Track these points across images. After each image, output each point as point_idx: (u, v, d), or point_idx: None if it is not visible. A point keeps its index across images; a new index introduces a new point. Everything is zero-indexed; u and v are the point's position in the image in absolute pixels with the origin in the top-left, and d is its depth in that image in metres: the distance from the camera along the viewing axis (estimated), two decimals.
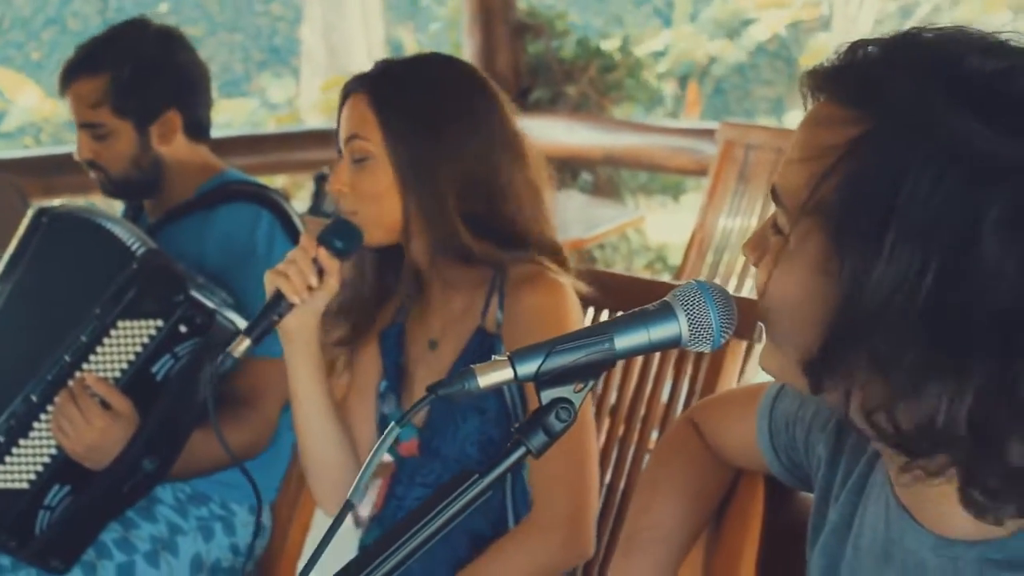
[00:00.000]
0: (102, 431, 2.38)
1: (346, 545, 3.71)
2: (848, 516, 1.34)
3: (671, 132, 5.88)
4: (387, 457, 2.28)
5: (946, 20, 1.20)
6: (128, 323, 2.43)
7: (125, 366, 2.43)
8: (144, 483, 2.49)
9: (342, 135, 2.10)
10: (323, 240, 2.05)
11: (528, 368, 1.19)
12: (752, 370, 2.24)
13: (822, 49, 16.44)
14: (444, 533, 1.19)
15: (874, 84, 1.12)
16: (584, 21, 7.26)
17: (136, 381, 2.42)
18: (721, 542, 1.63)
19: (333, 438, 2.17)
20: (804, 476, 1.49)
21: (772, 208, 4.23)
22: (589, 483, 2.04)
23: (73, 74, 2.76)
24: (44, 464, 2.46)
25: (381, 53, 13.78)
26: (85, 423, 2.37)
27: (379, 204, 2.07)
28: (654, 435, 2.27)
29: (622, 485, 2.26)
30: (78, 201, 3.31)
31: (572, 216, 5.00)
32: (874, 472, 1.32)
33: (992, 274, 1.06)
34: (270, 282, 2.04)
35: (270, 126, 8.83)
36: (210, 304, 2.43)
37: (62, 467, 2.45)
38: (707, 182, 4.80)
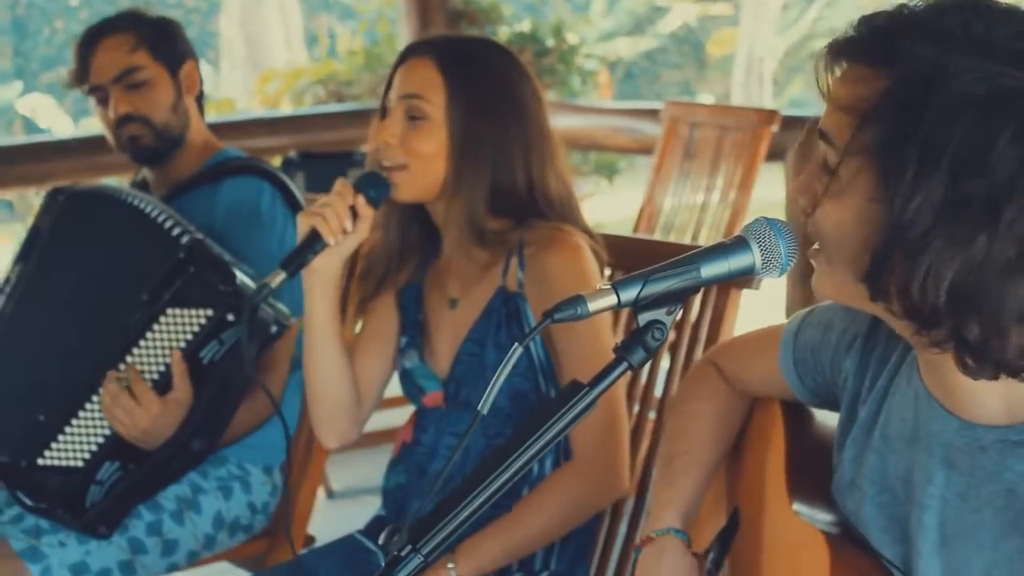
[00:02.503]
0: (157, 417, 2.50)
1: (323, 513, 3.87)
2: (875, 412, 1.56)
3: (609, 112, 6.06)
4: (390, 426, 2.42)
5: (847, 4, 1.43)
6: (177, 311, 2.54)
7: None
8: (191, 460, 2.64)
9: (399, 90, 2.23)
10: (359, 188, 2.20)
11: (629, 294, 1.37)
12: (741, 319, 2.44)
13: (728, 36, 16.75)
14: (555, 443, 1.36)
15: (893, 45, 1.35)
16: (515, 9, 7.42)
17: (187, 366, 2.53)
18: (746, 462, 1.84)
19: (339, 374, 2.32)
20: (828, 396, 1.70)
21: (719, 181, 4.50)
22: (621, 428, 2.22)
23: (98, 36, 2.86)
24: (98, 444, 2.57)
25: (300, 44, 13.84)
26: (141, 410, 2.49)
27: (426, 163, 2.22)
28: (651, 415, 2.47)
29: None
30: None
31: None
32: (900, 373, 1.54)
33: (1008, 177, 1.27)
34: (305, 222, 2.17)
35: (210, 115, 8.88)
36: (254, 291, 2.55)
37: (114, 447, 2.56)
38: (647, 161, 4.96)
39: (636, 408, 2.46)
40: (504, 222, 2.27)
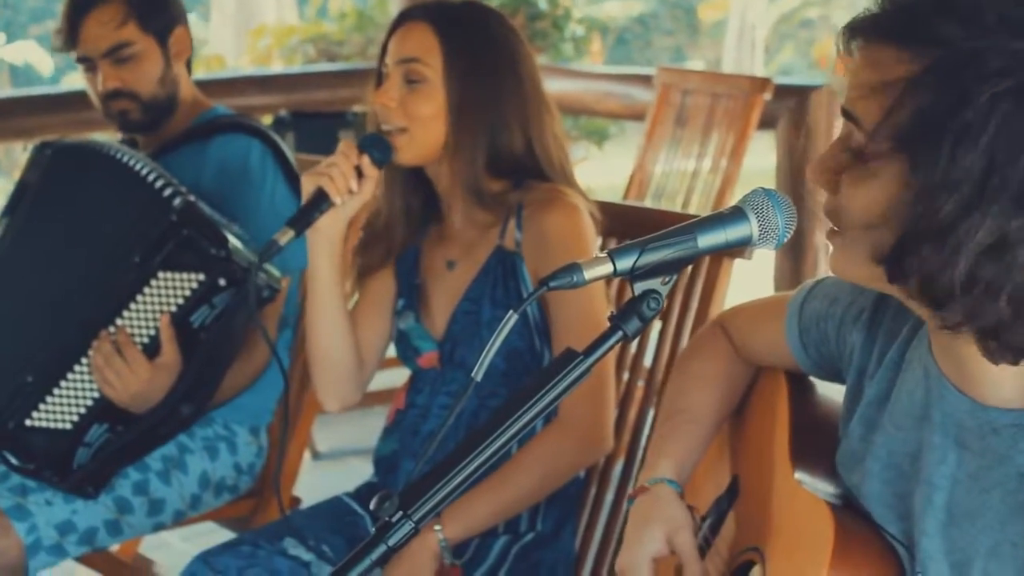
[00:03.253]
0: (147, 381, 2.50)
1: (308, 474, 3.87)
2: (886, 389, 1.55)
3: (600, 77, 6.03)
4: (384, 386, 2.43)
5: None
6: (169, 275, 2.53)
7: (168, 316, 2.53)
8: (180, 425, 2.62)
9: (396, 55, 2.25)
10: (364, 148, 2.22)
11: (625, 263, 1.36)
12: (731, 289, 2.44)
13: (720, 2, 16.70)
14: (549, 410, 1.36)
15: (926, 25, 1.32)
16: None
17: (177, 331, 2.52)
18: (748, 432, 1.84)
19: (342, 336, 2.33)
20: (832, 368, 1.70)
21: (710, 149, 4.49)
22: (606, 387, 2.24)
23: (88, 5, 2.80)
24: (87, 407, 2.56)
25: (291, 3, 13.77)
26: (132, 374, 2.49)
27: (425, 126, 2.24)
28: (648, 357, 2.47)
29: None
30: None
31: None
32: (910, 350, 1.53)
33: None
34: (311, 181, 2.19)
35: (199, 72, 8.85)
36: (247, 255, 2.53)
37: (103, 409, 2.56)
38: (637, 127, 4.95)
39: (626, 376, 2.47)
40: (503, 183, 2.29)
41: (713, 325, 1.91)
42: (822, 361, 1.71)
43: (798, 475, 1.64)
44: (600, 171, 7.48)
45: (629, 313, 1.36)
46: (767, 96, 4.53)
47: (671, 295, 2.43)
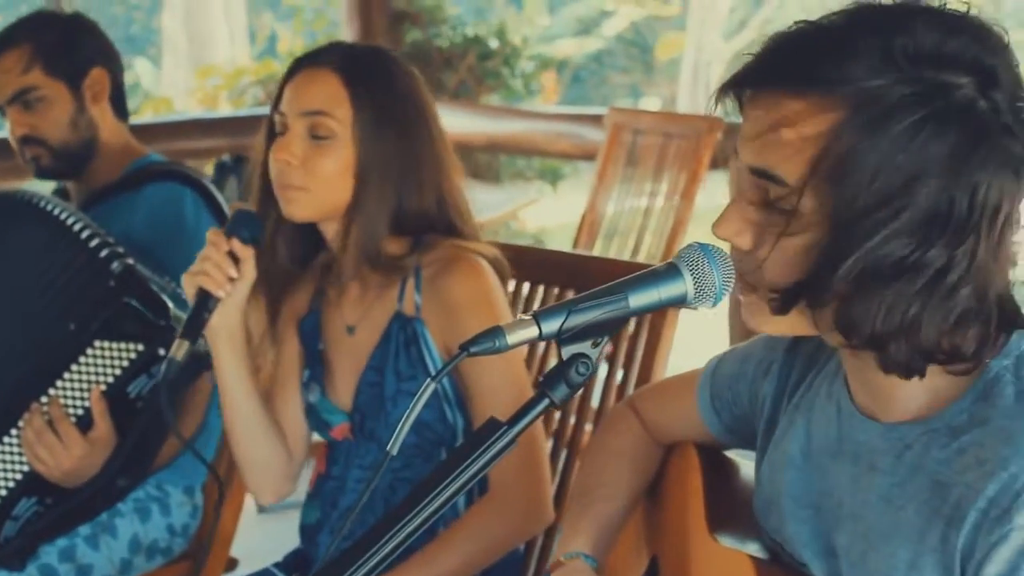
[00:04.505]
0: (80, 458, 2.37)
1: (252, 528, 3.77)
2: (795, 431, 1.54)
3: (552, 118, 5.99)
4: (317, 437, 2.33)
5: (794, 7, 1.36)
6: (105, 344, 2.40)
7: (103, 388, 2.40)
8: (114, 497, 2.51)
9: (298, 106, 2.07)
10: (231, 232, 2.06)
11: (551, 326, 1.27)
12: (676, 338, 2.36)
13: (675, 40, 16.75)
14: (471, 485, 1.27)
15: (832, 71, 1.27)
16: (457, 11, 7.33)
17: (113, 402, 2.40)
18: (664, 510, 1.78)
19: (263, 430, 2.20)
20: (746, 428, 1.67)
21: (662, 188, 4.39)
22: (539, 458, 2.12)
23: None
24: (16, 481, 2.44)
25: (244, 42, 13.68)
26: (64, 450, 2.36)
27: (329, 186, 2.07)
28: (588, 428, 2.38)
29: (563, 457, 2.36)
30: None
31: None
32: (812, 391, 1.53)
33: (973, 190, 1.25)
34: (190, 283, 2.04)
35: (146, 115, 8.74)
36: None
37: (33, 483, 2.43)
38: (591, 167, 4.90)
39: (572, 420, 2.37)
40: (401, 242, 2.14)
41: (624, 405, 1.87)
42: (735, 423, 1.69)
43: (719, 537, 1.61)
44: (555, 211, 7.42)
45: (556, 379, 1.28)
46: (719, 135, 4.48)
47: (616, 341, 2.34)
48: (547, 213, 7.44)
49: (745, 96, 1.34)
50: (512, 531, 2.12)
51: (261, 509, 4.50)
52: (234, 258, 2.05)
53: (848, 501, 1.43)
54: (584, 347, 1.29)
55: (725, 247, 1.38)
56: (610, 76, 18.01)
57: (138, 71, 13.53)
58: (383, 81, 2.10)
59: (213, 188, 2.79)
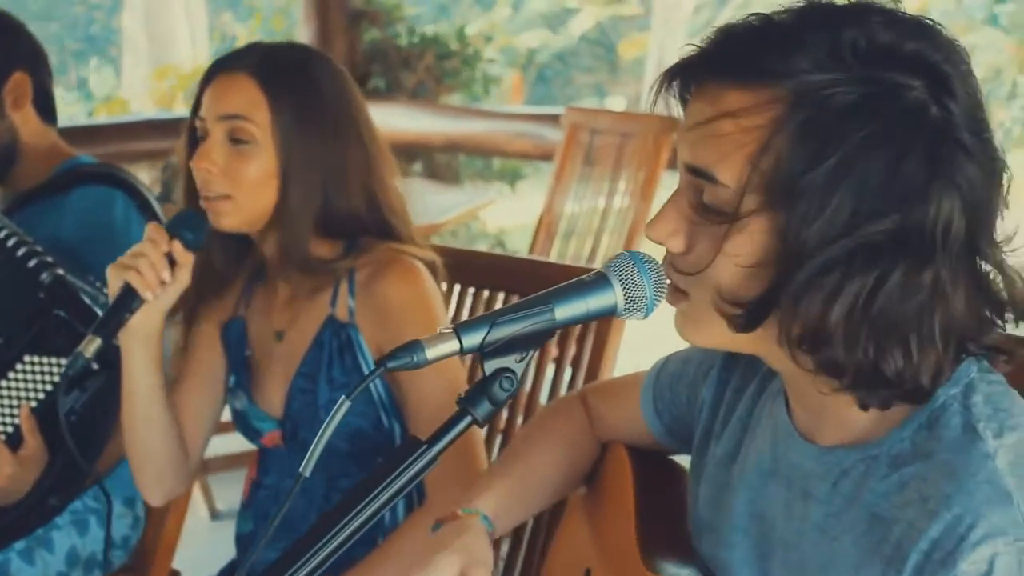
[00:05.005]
0: (9, 477, 2.29)
1: (204, 536, 3.70)
2: (733, 449, 1.47)
3: (511, 117, 5.93)
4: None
5: (759, 7, 1.30)
6: (36, 359, 2.32)
7: (33, 404, 2.32)
8: (47, 515, 2.42)
9: (215, 111, 2.01)
10: (174, 232, 1.98)
11: (473, 339, 1.21)
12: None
13: (639, 39, 16.72)
14: (391, 505, 1.21)
15: (777, 62, 1.21)
16: (417, 10, 7.26)
17: (43, 419, 2.30)
18: (599, 517, 1.73)
19: (164, 434, 2.12)
20: (685, 432, 1.62)
21: (620, 188, 4.31)
22: (478, 462, 2.06)
23: None
24: None
25: (205, 42, 13.57)
26: None
27: (253, 192, 2.01)
28: None
29: None
30: None
31: (416, 202, 4.98)
32: (758, 406, 1.45)
33: (924, 197, 1.18)
34: (117, 276, 1.95)
35: (100, 116, 8.64)
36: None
37: None
38: (551, 167, 4.86)
39: (520, 420, 2.32)
40: (334, 246, 2.08)
41: (575, 395, 1.82)
42: (674, 425, 1.64)
43: (653, 564, 1.52)
44: (514, 212, 7.37)
45: (479, 395, 1.22)
46: (676, 135, 4.42)
47: (562, 341, 2.28)
48: (508, 214, 7.39)
49: (690, 90, 1.28)
50: None
51: (215, 516, 4.44)
52: (171, 261, 1.97)
53: (781, 526, 1.37)
54: (508, 361, 1.23)
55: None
56: (575, 76, 17.97)
57: (98, 72, 13.40)
58: (302, 81, 2.04)
59: (146, 190, 2.71)
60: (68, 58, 14.60)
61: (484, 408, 1.22)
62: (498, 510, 1.65)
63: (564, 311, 1.25)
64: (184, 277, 1.99)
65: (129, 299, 1.96)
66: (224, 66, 2.04)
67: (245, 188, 2.00)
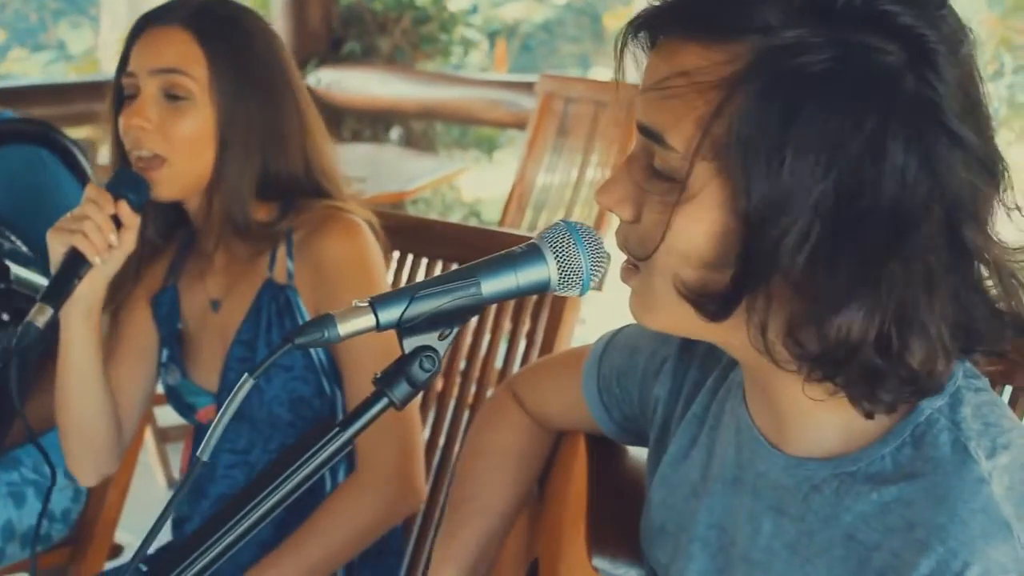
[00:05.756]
0: None
1: (161, 506, 3.60)
2: (687, 445, 1.34)
3: (488, 85, 5.82)
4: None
5: None
6: None
7: None
8: None
9: (148, 65, 1.90)
10: (117, 192, 1.88)
11: (391, 314, 1.12)
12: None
13: (625, 11, 16.59)
14: (303, 491, 1.12)
15: (741, 15, 1.09)
16: None
17: None
18: (548, 508, 1.60)
19: (100, 409, 2.03)
20: (637, 429, 1.48)
21: (593, 160, 4.16)
22: (414, 435, 1.98)
23: None
24: None
25: None
26: None
27: (190, 153, 1.91)
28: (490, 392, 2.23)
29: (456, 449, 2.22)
30: None
31: (388, 169, 4.91)
32: (716, 402, 1.32)
33: (897, 176, 1.06)
34: (59, 241, 1.85)
35: (71, 76, 8.52)
36: (35, 282, 2.20)
37: None
38: (525, 136, 4.77)
39: (473, 389, 2.23)
40: (270, 207, 1.98)
41: (504, 390, 1.65)
42: (626, 423, 1.49)
43: (596, 561, 1.41)
44: (490, 182, 7.26)
45: (396, 375, 1.12)
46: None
47: (516, 314, 2.18)
48: (485, 184, 7.28)
49: (646, 43, 1.17)
50: (380, 513, 1.97)
51: (172, 485, 4.34)
52: (116, 223, 1.87)
53: (746, 542, 1.23)
54: (430, 339, 1.13)
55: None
56: (560, 45, 17.83)
57: (76, 31, 13.24)
58: (239, 35, 1.95)
59: (73, 147, 2.58)
60: (48, 17, 14.43)
61: (402, 390, 1.12)
62: (468, 571, 1.54)
63: (492, 285, 1.15)
64: (130, 240, 1.89)
65: (76, 264, 1.86)
66: (155, 18, 1.94)
67: (181, 147, 1.91)
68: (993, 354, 1.17)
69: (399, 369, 1.12)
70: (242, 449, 2.05)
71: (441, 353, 1.13)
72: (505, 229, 4.08)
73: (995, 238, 1.12)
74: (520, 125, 5.37)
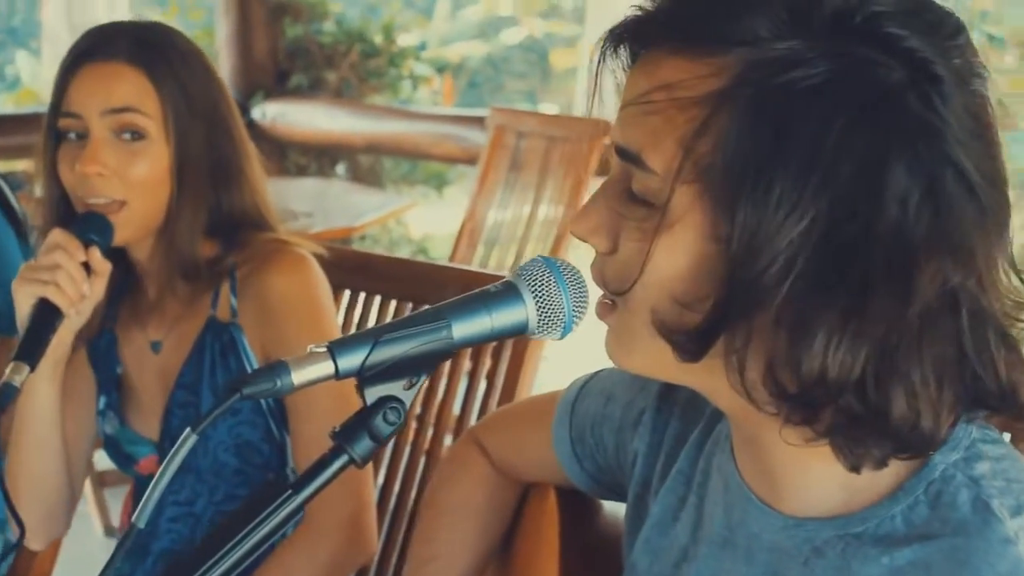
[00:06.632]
0: None
1: (98, 556, 3.44)
2: (674, 509, 1.22)
3: (437, 119, 5.73)
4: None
5: None
6: None
7: None
8: None
9: (97, 107, 1.79)
10: (85, 238, 1.77)
11: (351, 361, 1.00)
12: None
13: (572, 50, 16.61)
14: (254, 559, 1.00)
15: (728, 26, 0.99)
16: (343, 8, 7.04)
17: None
18: (515, 565, 1.49)
19: (59, 464, 1.91)
20: (612, 482, 1.37)
21: (546, 195, 4.01)
22: (366, 483, 1.87)
23: None
24: None
25: None
26: None
27: (149, 195, 1.81)
28: (447, 440, 2.10)
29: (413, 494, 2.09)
30: None
31: (335, 204, 4.80)
32: (703, 456, 1.21)
33: (899, 204, 0.96)
34: (29, 293, 1.73)
35: (9, 107, 8.36)
36: None
37: None
38: (475, 171, 4.67)
39: (430, 433, 2.10)
40: (213, 243, 1.88)
41: (466, 441, 1.53)
42: (600, 476, 1.37)
43: None
44: (438, 219, 7.15)
45: (357, 429, 1.01)
46: (606, 140, 4.24)
47: (476, 353, 2.05)
48: (433, 220, 7.16)
49: (626, 57, 1.07)
50: (331, 564, 1.85)
51: (109, 533, 4.19)
52: (87, 270, 1.76)
53: None
54: (395, 388, 1.02)
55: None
56: (507, 82, 17.82)
57: (19, 64, 13.08)
58: (183, 68, 1.84)
59: (7, 190, 2.45)
60: None
61: (364, 446, 1.00)
62: None
63: (464, 328, 1.03)
64: (101, 289, 1.79)
65: (50, 317, 1.74)
66: (93, 54, 1.81)
67: (140, 189, 1.81)
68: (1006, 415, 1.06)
69: (360, 422, 1.00)
70: (186, 501, 1.92)
71: (407, 404, 1.01)
72: (460, 265, 3.97)
73: (995, 292, 1.02)
74: (470, 160, 5.28)
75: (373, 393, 1.01)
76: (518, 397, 2.00)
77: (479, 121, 5.14)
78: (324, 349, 0.99)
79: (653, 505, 1.24)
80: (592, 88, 1.07)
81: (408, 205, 5.05)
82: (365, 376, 1.01)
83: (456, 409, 2.10)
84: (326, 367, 0.99)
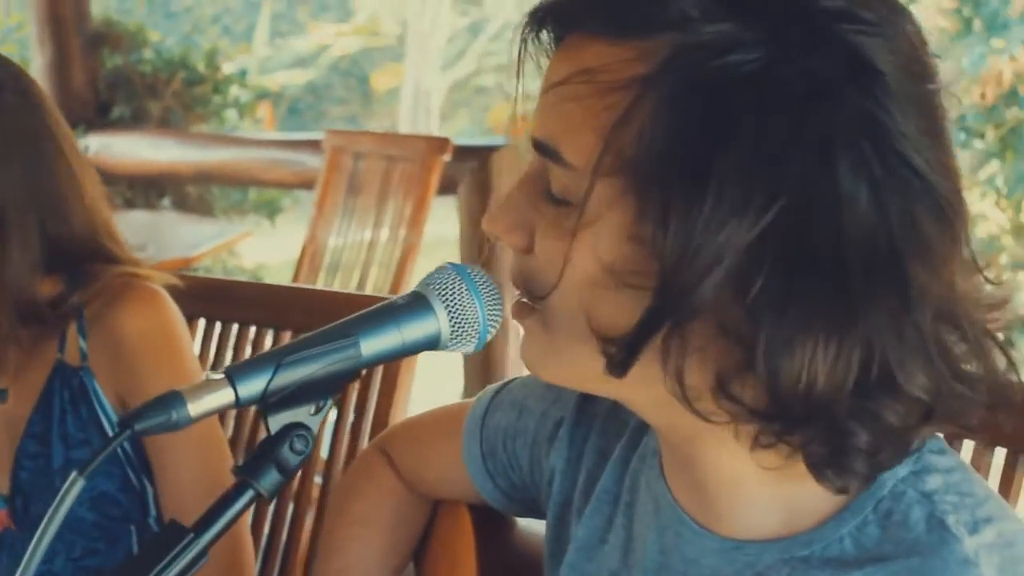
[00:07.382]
0: None
1: None
2: (600, 529, 1.14)
3: (267, 144, 5.62)
4: None
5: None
6: None
7: None
8: None
9: None
10: None
11: (253, 387, 0.91)
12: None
13: (393, 70, 16.56)
14: None
15: (654, 6, 0.92)
16: (162, 36, 6.87)
17: None
18: None
19: None
20: (527, 499, 1.28)
21: (388, 217, 3.90)
22: (240, 547, 1.74)
23: None
24: None
25: None
26: None
27: None
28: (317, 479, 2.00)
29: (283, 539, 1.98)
30: None
31: (168, 236, 4.67)
32: (629, 474, 1.12)
33: (847, 198, 0.89)
34: None
35: None
36: None
37: None
38: (311, 196, 4.58)
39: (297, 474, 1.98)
40: (55, 280, 1.75)
41: (373, 451, 1.44)
42: (515, 493, 1.29)
43: None
44: (272, 247, 7.02)
45: (262, 462, 0.92)
46: (446, 158, 4.19)
47: (342, 397, 1.95)
48: (267, 249, 7.01)
49: (546, 41, 0.99)
50: None
51: None
52: None
53: None
54: (301, 414, 0.93)
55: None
56: (327, 108, 17.68)
57: None
58: (5, 103, 1.71)
59: None
60: None
61: (271, 478, 0.91)
62: None
63: (373, 344, 0.95)
64: None
65: None
66: None
67: None
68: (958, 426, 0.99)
69: (265, 454, 0.92)
70: (44, 559, 1.78)
71: (315, 431, 0.93)
72: (320, 287, 3.86)
73: (960, 292, 0.96)
74: (304, 185, 5.19)
75: (277, 421, 0.92)
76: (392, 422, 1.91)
77: (312, 144, 5.04)
78: (222, 376, 0.90)
79: (576, 528, 1.16)
80: (517, 75, 0.99)
81: (244, 234, 4.93)
82: (268, 403, 0.92)
83: (324, 452, 1.99)
84: (225, 395, 0.91)
